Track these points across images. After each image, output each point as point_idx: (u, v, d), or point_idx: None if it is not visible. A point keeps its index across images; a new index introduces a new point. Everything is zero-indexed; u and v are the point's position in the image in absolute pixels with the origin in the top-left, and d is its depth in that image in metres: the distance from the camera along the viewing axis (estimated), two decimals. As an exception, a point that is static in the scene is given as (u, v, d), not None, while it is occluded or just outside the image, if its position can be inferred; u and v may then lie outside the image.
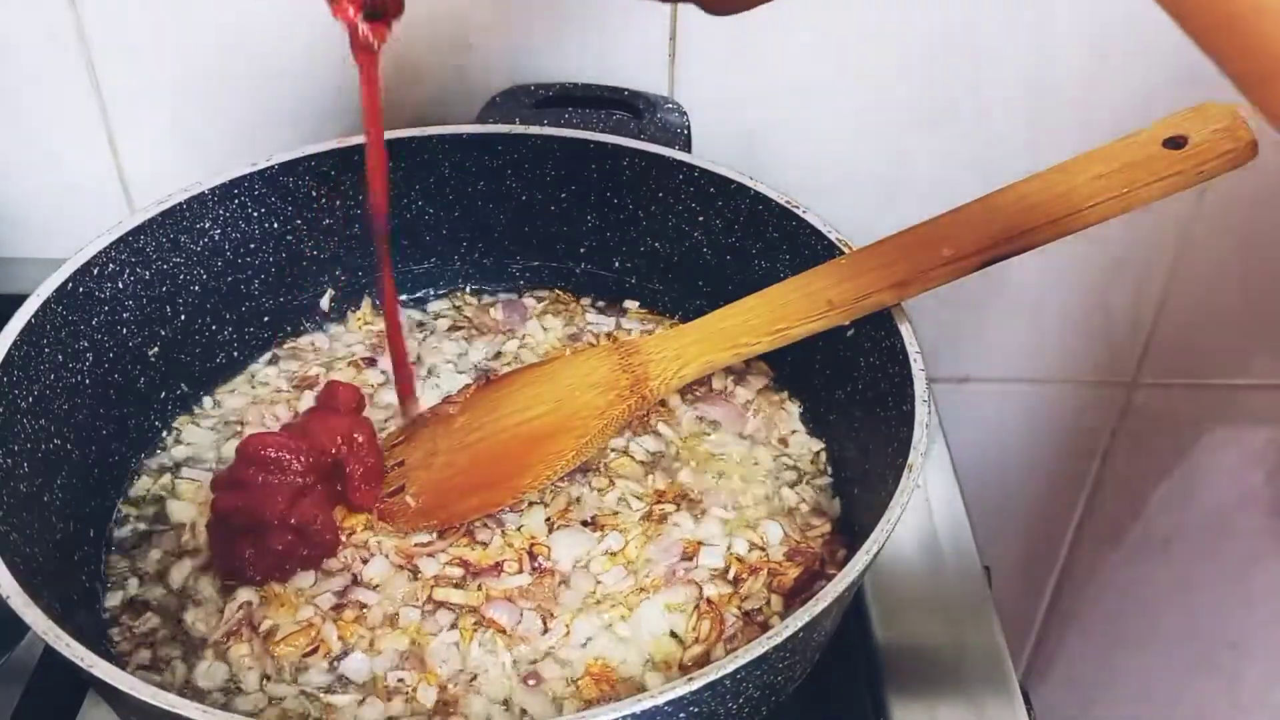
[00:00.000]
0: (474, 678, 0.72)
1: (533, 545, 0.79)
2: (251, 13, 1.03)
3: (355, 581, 0.78)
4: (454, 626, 0.75)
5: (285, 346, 0.97)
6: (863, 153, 1.11)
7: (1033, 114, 1.09)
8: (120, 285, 0.84)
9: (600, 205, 0.97)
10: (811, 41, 1.05)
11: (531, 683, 0.72)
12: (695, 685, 0.57)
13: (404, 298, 1.00)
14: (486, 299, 1.02)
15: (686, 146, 0.96)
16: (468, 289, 1.02)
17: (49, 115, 1.09)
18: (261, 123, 1.08)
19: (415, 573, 0.78)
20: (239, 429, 0.89)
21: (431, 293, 1.02)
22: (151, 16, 1.03)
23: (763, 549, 0.80)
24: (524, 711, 0.71)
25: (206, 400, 0.92)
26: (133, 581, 0.78)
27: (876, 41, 1.05)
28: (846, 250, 0.83)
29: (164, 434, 0.89)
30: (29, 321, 0.75)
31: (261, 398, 0.92)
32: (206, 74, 1.06)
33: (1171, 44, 0.49)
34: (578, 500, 0.83)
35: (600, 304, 1.01)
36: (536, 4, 1.03)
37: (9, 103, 1.08)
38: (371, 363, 0.95)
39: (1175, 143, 0.74)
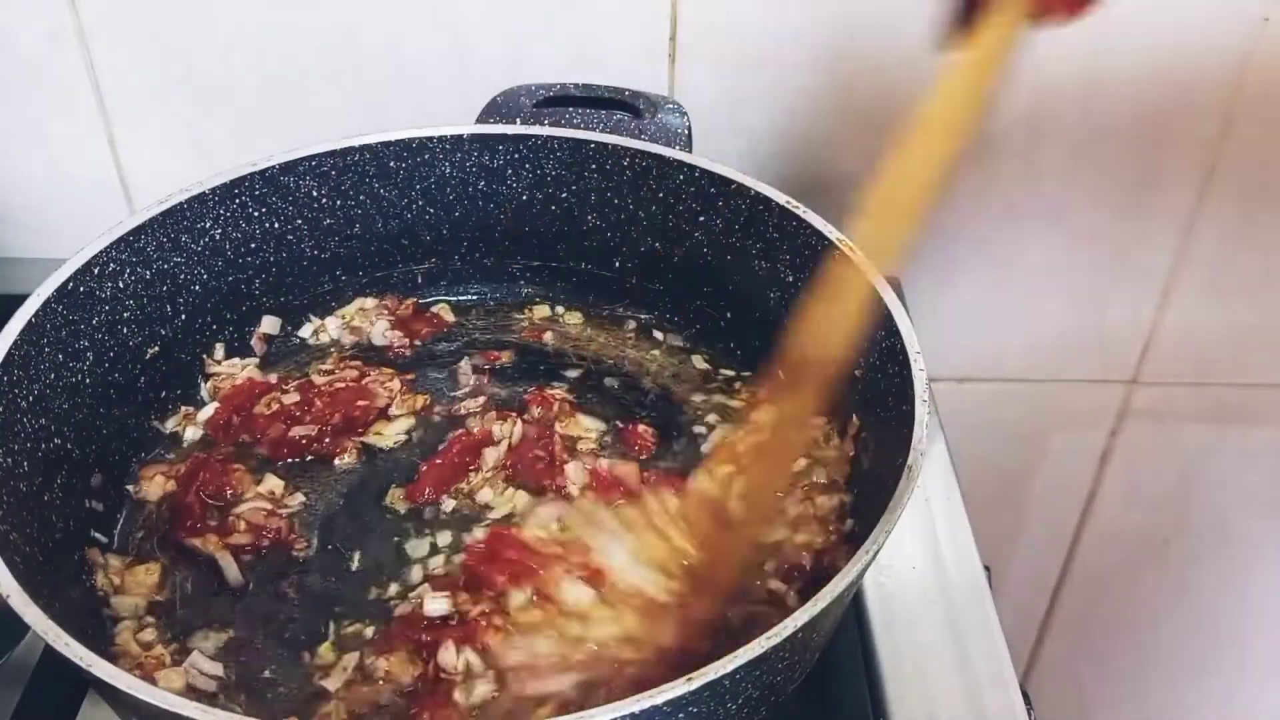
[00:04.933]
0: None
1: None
2: (251, 13, 1.03)
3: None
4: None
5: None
6: (863, 152, 1.11)
7: (1031, 114, 1.09)
8: (121, 285, 0.84)
9: (601, 205, 0.96)
10: (811, 41, 1.04)
11: None
12: (694, 685, 0.57)
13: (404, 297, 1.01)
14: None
15: (687, 147, 0.96)
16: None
17: (49, 115, 1.09)
18: (261, 123, 1.09)
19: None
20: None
21: (432, 292, 1.02)
22: (151, 16, 1.03)
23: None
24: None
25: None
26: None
27: (876, 41, 1.05)
28: (846, 250, 0.83)
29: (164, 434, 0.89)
30: (30, 321, 0.75)
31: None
32: (206, 73, 1.07)
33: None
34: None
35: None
36: (536, 3, 1.04)
37: (9, 102, 1.08)
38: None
39: None
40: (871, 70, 1.06)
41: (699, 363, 0.96)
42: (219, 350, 0.93)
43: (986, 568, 0.89)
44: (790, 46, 1.05)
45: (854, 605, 0.85)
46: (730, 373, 0.95)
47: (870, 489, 0.75)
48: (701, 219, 0.93)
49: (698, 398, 0.93)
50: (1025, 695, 0.81)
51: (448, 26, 1.04)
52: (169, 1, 1.03)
